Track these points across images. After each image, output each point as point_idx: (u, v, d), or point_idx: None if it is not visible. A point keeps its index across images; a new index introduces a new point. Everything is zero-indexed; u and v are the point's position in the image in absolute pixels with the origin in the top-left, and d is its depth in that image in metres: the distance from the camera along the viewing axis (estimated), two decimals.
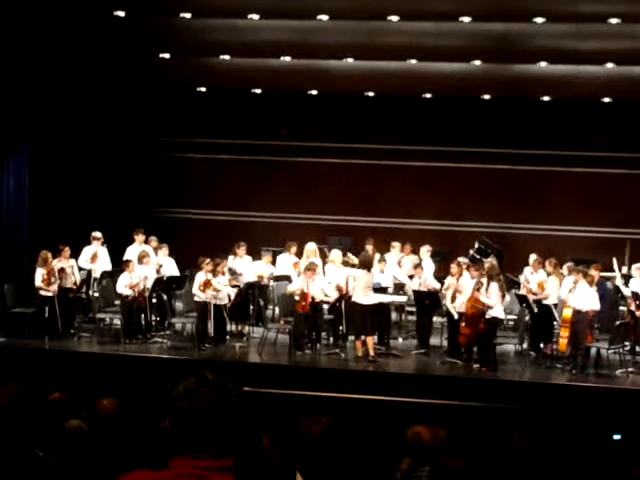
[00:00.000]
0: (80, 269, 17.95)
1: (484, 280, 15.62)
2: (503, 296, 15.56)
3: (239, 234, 20.28)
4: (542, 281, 16.75)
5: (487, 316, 15.33)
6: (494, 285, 15.44)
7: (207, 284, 16.24)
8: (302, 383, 14.12)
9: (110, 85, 20.91)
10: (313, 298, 16.11)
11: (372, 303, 15.84)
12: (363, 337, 15.91)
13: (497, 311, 15.40)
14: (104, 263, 18.35)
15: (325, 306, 16.56)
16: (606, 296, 16.78)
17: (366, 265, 16.13)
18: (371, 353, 15.81)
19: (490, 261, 17.46)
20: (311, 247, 18.14)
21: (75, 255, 17.77)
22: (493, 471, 3.38)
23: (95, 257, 18.20)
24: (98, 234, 18.47)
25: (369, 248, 18.80)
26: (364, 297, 15.79)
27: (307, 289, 16.11)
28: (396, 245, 19.16)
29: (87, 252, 18.27)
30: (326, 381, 14.51)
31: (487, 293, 15.41)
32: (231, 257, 18.08)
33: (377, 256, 17.90)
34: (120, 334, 16.61)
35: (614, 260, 17.77)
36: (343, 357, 16.22)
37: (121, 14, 16.61)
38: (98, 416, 7.33)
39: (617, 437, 9.44)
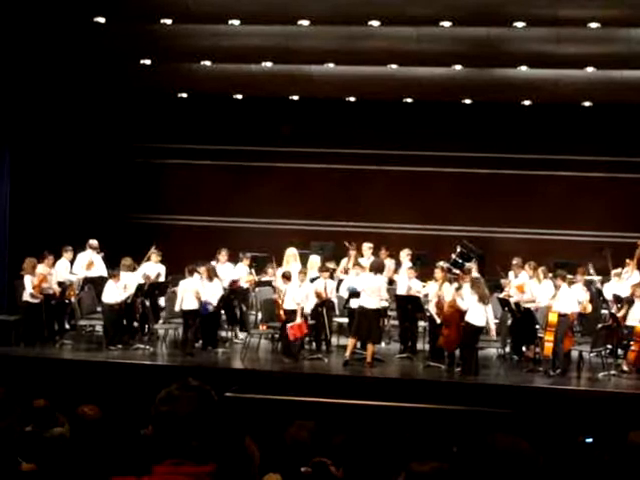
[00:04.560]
0: (73, 274, 17.95)
1: (464, 283, 15.72)
2: (484, 302, 15.49)
3: (221, 240, 20.25)
4: (521, 284, 16.81)
5: (464, 321, 15.37)
6: (468, 289, 15.47)
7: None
8: (285, 388, 14.10)
9: (91, 92, 20.85)
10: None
11: (371, 307, 15.88)
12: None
13: (473, 318, 15.37)
14: (100, 271, 18.25)
15: (307, 311, 16.54)
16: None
17: (378, 270, 16.15)
18: (368, 359, 15.84)
19: (470, 265, 17.47)
20: (290, 252, 18.10)
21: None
22: (474, 474, 3.38)
23: (91, 265, 18.14)
24: (94, 242, 18.40)
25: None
26: (365, 300, 15.83)
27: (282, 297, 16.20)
28: (368, 246, 19.04)
29: (82, 259, 18.22)
30: (309, 386, 14.50)
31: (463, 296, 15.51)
32: (213, 263, 18.06)
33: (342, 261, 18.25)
34: (102, 341, 16.57)
35: (590, 265, 17.88)
36: (326, 362, 16.23)
37: (101, 20, 16.58)
38: (80, 423, 7.30)
39: (589, 440, 9.44)
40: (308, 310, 16.24)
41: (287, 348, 16.06)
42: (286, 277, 16.34)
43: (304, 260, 18.20)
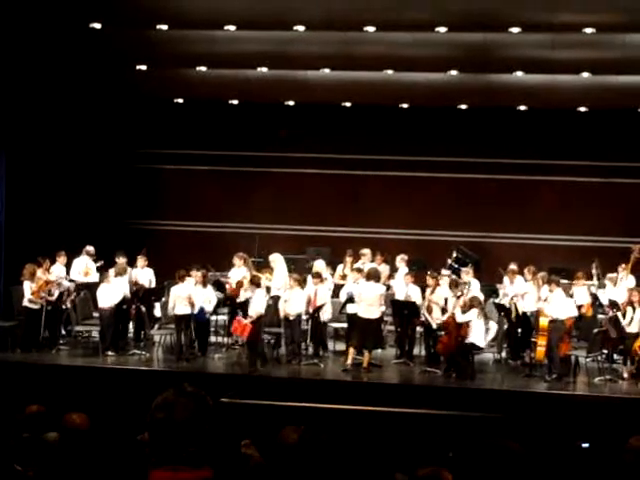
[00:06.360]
0: (71, 281, 17.91)
1: (463, 289, 15.76)
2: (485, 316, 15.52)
3: (218, 245, 20.27)
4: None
5: (466, 341, 15.35)
6: (474, 311, 15.43)
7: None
8: (282, 394, 14.09)
9: (87, 97, 20.84)
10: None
11: (374, 317, 15.83)
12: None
13: (477, 338, 15.35)
14: (95, 277, 18.19)
15: (304, 317, 16.51)
16: None
17: (373, 278, 16.09)
18: (364, 365, 15.81)
19: (467, 270, 17.46)
20: (273, 257, 18.02)
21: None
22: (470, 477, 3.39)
23: (88, 272, 18.14)
24: (91, 249, 18.39)
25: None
26: (367, 311, 15.78)
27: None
28: (366, 252, 18.97)
29: (79, 265, 18.21)
30: (306, 391, 14.48)
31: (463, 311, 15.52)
32: (235, 266, 18.05)
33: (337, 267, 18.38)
34: (99, 346, 16.56)
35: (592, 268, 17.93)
36: (322, 367, 16.21)
37: (97, 26, 16.58)
38: (67, 431, 7.28)
39: (585, 445, 9.45)
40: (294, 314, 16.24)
41: (254, 352, 15.96)
42: (255, 283, 16.34)
43: (306, 267, 18.28)
